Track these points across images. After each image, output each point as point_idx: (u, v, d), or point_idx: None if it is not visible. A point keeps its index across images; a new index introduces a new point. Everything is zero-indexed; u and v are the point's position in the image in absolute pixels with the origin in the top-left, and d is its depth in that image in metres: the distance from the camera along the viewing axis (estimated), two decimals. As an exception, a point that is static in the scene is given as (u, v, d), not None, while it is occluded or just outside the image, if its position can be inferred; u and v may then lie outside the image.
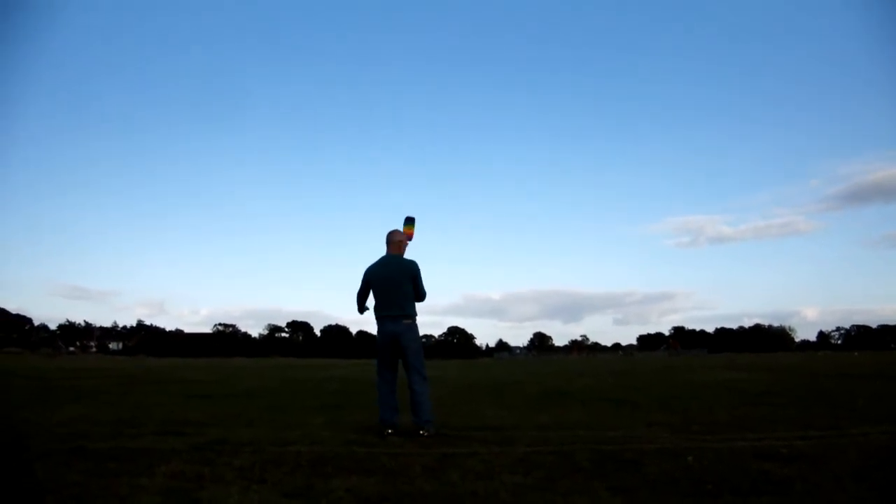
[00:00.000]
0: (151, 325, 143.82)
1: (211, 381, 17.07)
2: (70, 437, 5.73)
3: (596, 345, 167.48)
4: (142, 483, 3.90)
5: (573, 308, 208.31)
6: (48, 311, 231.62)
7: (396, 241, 6.65)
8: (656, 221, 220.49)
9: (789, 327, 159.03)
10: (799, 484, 3.89)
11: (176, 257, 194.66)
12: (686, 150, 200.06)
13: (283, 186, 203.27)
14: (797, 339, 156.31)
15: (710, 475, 4.16)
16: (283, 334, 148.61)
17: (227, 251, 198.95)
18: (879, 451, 5.06)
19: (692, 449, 5.15)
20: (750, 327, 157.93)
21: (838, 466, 4.42)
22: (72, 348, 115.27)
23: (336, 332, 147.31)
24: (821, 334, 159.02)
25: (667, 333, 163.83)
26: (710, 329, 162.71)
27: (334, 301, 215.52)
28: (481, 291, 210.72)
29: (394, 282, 6.41)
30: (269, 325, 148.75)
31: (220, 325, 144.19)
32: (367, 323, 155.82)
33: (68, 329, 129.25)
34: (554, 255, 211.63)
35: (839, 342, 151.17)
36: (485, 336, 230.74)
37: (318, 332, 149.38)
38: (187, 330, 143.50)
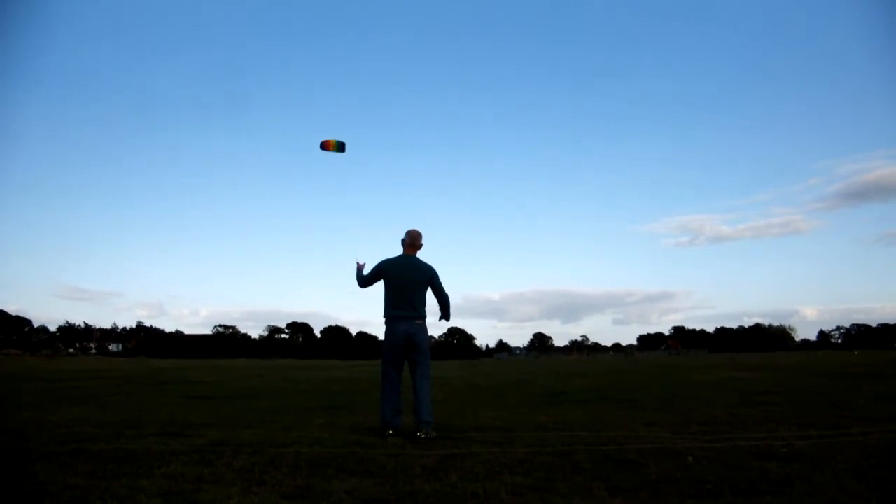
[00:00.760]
0: (151, 326, 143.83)
1: (211, 382, 17.06)
2: (70, 439, 5.74)
3: (596, 345, 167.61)
4: (142, 485, 3.90)
5: (573, 308, 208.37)
6: (48, 313, 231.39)
7: (420, 244, 6.67)
8: (656, 221, 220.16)
9: (789, 326, 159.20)
10: (799, 483, 3.89)
11: (176, 258, 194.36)
12: (685, 150, 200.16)
13: (284, 187, 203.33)
14: (797, 339, 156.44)
15: (711, 475, 4.16)
16: (283, 335, 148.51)
17: (228, 252, 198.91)
18: (880, 450, 5.06)
19: (692, 449, 5.16)
20: (750, 327, 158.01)
21: (839, 466, 4.42)
22: (71, 350, 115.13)
23: (336, 333, 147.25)
24: (821, 333, 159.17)
25: (667, 333, 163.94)
26: (710, 329, 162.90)
27: (334, 302, 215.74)
28: (481, 292, 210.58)
29: (412, 284, 6.42)
30: (269, 326, 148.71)
31: (220, 326, 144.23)
32: (367, 324, 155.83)
33: (68, 330, 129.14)
34: (554, 255, 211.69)
35: (839, 341, 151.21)
36: (485, 337, 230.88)
37: (317, 333, 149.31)
38: (187, 331, 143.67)
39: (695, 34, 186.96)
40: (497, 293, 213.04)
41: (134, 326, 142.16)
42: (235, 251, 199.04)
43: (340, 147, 7.03)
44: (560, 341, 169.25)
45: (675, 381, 15.90)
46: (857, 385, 13.02)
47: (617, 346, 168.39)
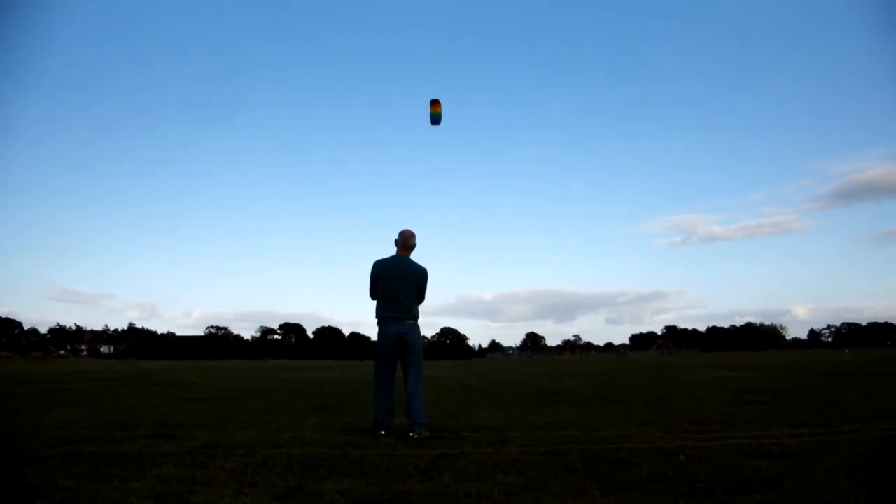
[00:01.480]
0: (143, 328, 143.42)
1: (203, 383, 17.00)
2: (61, 441, 5.71)
3: (589, 344, 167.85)
4: (133, 487, 3.89)
5: (566, 308, 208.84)
6: (38, 315, 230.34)
7: (412, 245, 6.65)
8: (648, 220, 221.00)
9: (780, 326, 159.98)
10: (790, 481, 3.92)
11: (170, 260, 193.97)
12: (679, 150, 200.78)
13: (277, 188, 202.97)
14: (788, 338, 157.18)
15: (703, 473, 4.18)
16: (276, 336, 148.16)
17: (221, 253, 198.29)
18: (870, 448, 5.09)
19: (684, 448, 5.18)
20: (741, 326, 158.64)
21: (829, 464, 4.45)
22: (62, 352, 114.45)
23: (328, 334, 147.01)
24: (812, 332, 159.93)
25: (659, 333, 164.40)
26: (701, 328, 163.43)
27: (327, 303, 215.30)
28: (474, 292, 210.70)
29: (405, 285, 6.41)
30: (262, 327, 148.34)
31: (212, 327, 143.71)
32: (360, 325, 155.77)
33: (59, 332, 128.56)
34: (546, 254, 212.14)
35: (830, 340, 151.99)
36: (478, 337, 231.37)
37: (310, 334, 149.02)
38: (179, 333, 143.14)
39: (689, 35, 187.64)
40: (490, 293, 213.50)
41: (125, 328, 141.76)
42: (229, 252, 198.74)
43: (436, 118, 7.19)
44: (553, 341, 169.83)
45: (667, 381, 15.95)
46: (848, 383, 13.09)
47: (609, 345, 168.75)
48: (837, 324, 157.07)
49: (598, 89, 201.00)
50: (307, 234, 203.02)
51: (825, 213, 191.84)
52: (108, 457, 4.92)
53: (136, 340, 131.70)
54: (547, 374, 21.70)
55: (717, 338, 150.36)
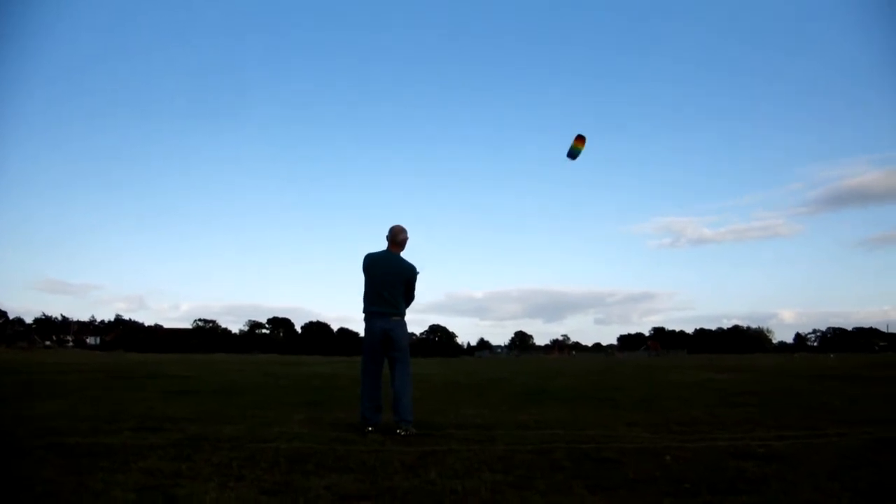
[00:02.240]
0: (130, 319, 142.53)
1: (190, 376, 16.92)
2: (46, 433, 5.67)
3: (577, 344, 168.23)
4: (117, 479, 3.86)
5: (555, 307, 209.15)
6: (24, 305, 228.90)
7: (402, 240, 6.59)
8: (638, 222, 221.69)
9: (767, 329, 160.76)
10: (775, 483, 3.94)
11: (158, 252, 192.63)
12: (670, 152, 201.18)
13: (267, 182, 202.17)
14: (774, 341, 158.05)
15: (689, 474, 4.19)
16: (264, 331, 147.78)
17: (210, 247, 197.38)
18: (855, 451, 5.12)
19: (671, 448, 5.20)
20: (729, 328, 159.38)
21: (814, 466, 4.48)
22: (48, 342, 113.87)
23: (317, 329, 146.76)
24: (797, 336, 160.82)
25: (647, 334, 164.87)
26: (689, 330, 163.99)
27: (315, 297, 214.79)
28: (464, 290, 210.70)
29: (392, 281, 6.38)
30: (250, 321, 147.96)
31: (199, 320, 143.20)
32: (349, 320, 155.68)
33: (44, 323, 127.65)
34: (537, 253, 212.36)
35: (815, 344, 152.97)
36: (466, 334, 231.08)
37: (298, 329, 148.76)
38: (166, 325, 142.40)
39: (684, 37, 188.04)
40: (480, 291, 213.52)
41: (112, 319, 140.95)
42: (218, 246, 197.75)
43: (574, 153, 7.37)
44: (541, 340, 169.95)
45: (654, 382, 16.01)
46: (834, 388, 13.18)
47: (597, 345, 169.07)
48: (823, 328, 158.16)
49: (593, 90, 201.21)
50: (296, 229, 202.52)
51: (813, 217, 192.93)
52: (93, 449, 4.89)
53: (122, 332, 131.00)
54: (535, 373, 21.74)
55: (705, 340, 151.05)
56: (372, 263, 6.47)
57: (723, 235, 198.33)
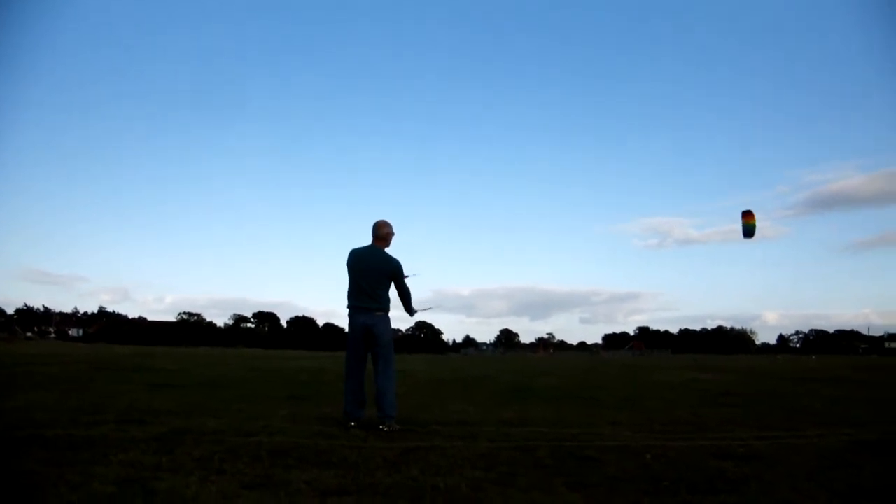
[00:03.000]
0: (114, 311, 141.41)
1: (174, 370, 16.83)
2: (26, 425, 5.62)
3: (562, 343, 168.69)
4: (97, 472, 3.84)
5: (541, 306, 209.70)
6: (6, 295, 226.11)
7: (384, 234, 6.56)
8: (626, 221, 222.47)
9: (750, 330, 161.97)
10: (754, 483, 3.97)
11: (143, 244, 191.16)
12: (658, 153, 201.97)
13: (255, 176, 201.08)
14: (758, 342, 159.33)
15: (669, 473, 4.22)
16: (249, 325, 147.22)
17: (196, 239, 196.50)
18: (833, 452, 5.18)
19: (652, 447, 5.23)
20: (713, 329, 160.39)
21: (793, 466, 4.52)
22: (29, 334, 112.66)
23: (303, 324, 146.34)
24: (780, 338, 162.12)
25: (632, 333, 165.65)
26: (674, 330, 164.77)
27: (301, 292, 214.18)
28: (451, 287, 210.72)
29: (372, 275, 6.37)
30: (235, 314, 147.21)
31: (184, 313, 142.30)
32: (335, 315, 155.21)
33: (26, 314, 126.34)
34: (524, 252, 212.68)
35: (798, 346, 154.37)
36: (452, 331, 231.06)
37: (284, 324, 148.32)
38: (151, 318, 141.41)
39: (673, 39, 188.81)
40: (467, 288, 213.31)
41: (95, 311, 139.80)
42: (204, 239, 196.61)
43: (749, 230, 7.53)
44: (527, 338, 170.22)
45: (638, 381, 16.10)
46: (815, 389, 13.30)
47: (583, 344, 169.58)
48: (806, 330, 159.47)
49: (582, 90, 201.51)
50: (283, 223, 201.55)
51: (799, 220, 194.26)
52: (74, 441, 4.87)
53: (106, 324, 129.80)
54: (520, 371, 21.79)
55: (689, 340, 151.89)
56: (355, 259, 6.46)
57: (709, 236, 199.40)
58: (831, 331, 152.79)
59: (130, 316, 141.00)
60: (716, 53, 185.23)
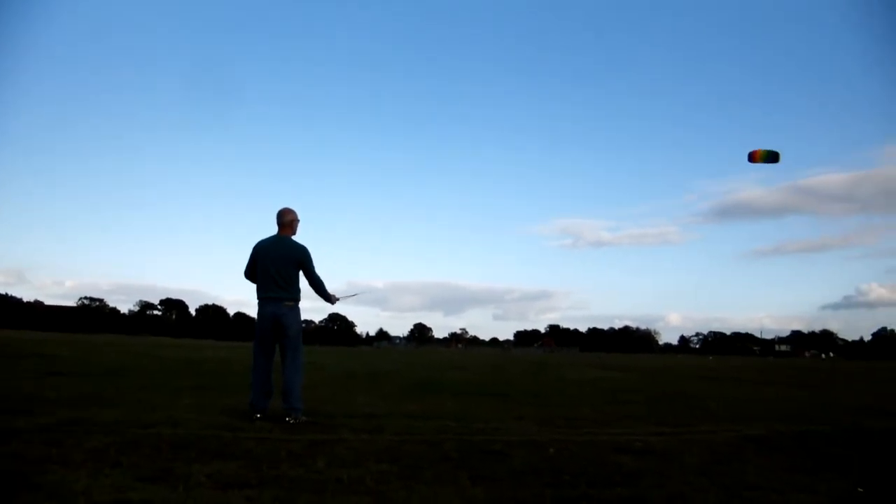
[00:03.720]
0: (7, 294, 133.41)
1: (70, 357, 16.06)
2: None
3: (475, 338, 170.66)
4: (-24, 464, 3.62)
5: (455, 301, 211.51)
6: None
7: (288, 221, 6.41)
8: (541, 222, 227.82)
9: (654, 331, 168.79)
10: (649, 476, 4.13)
11: (43, 222, 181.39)
12: (575, 156, 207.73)
13: (166, 156, 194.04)
14: (661, 342, 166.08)
15: (570, 467, 4.34)
16: (156, 312, 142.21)
17: (100, 220, 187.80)
18: (723, 447, 5.44)
19: (556, 441, 5.36)
20: (619, 329, 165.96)
21: (686, 461, 4.72)
22: None
23: (213, 312, 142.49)
24: (682, 338, 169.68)
25: (543, 331, 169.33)
26: (583, 329, 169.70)
27: (212, 280, 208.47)
28: (365, 279, 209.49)
29: (280, 264, 6.22)
30: (141, 301, 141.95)
31: (85, 298, 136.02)
32: (246, 304, 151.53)
33: None
34: (441, 247, 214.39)
35: (698, 346, 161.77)
36: (366, 324, 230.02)
37: (193, 312, 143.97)
38: (49, 302, 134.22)
39: (594, 46, 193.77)
40: (381, 281, 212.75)
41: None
42: (109, 220, 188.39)
43: (772, 157, 7.02)
44: (440, 333, 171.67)
45: (546, 378, 16.48)
46: (711, 388, 13.99)
47: (495, 340, 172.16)
48: (705, 332, 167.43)
49: (503, 92, 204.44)
50: (196, 208, 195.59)
51: (703, 228, 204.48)
52: (-48, 431, 4.57)
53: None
54: (431, 365, 21.93)
55: (597, 339, 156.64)
56: (261, 250, 6.33)
57: (620, 239, 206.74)
58: (728, 333, 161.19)
59: (25, 299, 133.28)
60: (633, 65, 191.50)
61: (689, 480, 4.07)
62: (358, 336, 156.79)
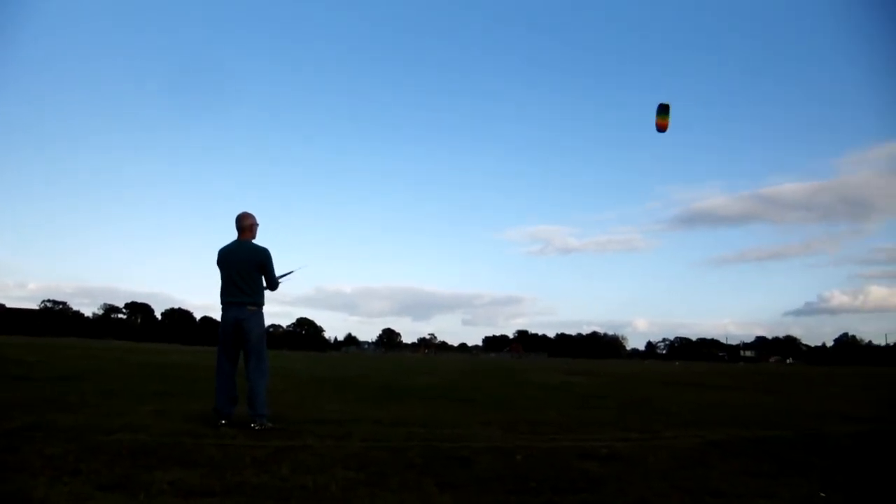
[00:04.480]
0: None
1: (31, 361, 15.72)
2: None
3: (443, 344, 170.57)
4: (-70, 472, 3.53)
5: (423, 306, 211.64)
6: None
7: (247, 226, 6.37)
8: (509, 228, 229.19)
9: (622, 336, 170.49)
10: (613, 482, 4.17)
11: (4, 224, 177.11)
12: (542, 164, 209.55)
13: (132, 152, 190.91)
14: (628, 348, 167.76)
15: (535, 473, 4.36)
16: (121, 315, 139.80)
17: (64, 221, 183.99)
18: (686, 452, 5.51)
19: (522, 448, 5.38)
20: (587, 334, 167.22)
21: (649, 466, 4.78)
22: None
23: (178, 317, 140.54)
24: (649, 344, 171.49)
25: (511, 336, 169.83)
26: (551, 334, 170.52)
27: (178, 284, 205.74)
28: (334, 284, 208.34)
29: (241, 268, 6.18)
30: (105, 304, 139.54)
31: (48, 301, 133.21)
32: (213, 308, 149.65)
33: None
34: (409, 253, 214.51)
35: (664, 352, 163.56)
36: (334, 329, 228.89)
37: (158, 316, 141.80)
38: (9, 304, 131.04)
39: (561, 51, 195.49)
40: (349, 286, 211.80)
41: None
42: (74, 221, 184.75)
43: (663, 109, 6.99)
44: (408, 338, 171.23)
45: (514, 383, 16.54)
46: (677, 393, 14.15)
47: (463, 345, 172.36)
48: (672, 337, 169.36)
49: (471, 99, 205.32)
50: (162, 211, 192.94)
51: (667, 235, 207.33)
52: None
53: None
54: (399, 371, 21.88)
55: (565, 344, 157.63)
56: (222, 256, 6.29)
57: (587, 246, 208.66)
58: (694, 339, 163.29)
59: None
60: (600, 74, 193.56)
61: (652, 486, 4.12)
62: (326, 341, 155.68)
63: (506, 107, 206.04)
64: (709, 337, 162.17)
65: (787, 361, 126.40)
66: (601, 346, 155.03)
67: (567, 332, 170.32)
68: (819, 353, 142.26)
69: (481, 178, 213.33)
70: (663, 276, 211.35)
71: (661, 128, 7.45)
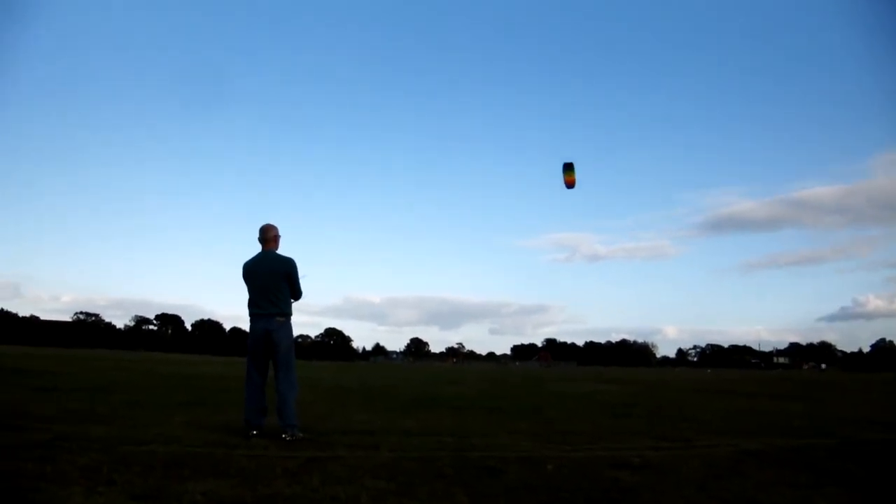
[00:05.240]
0: (2, 309, 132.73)
1: (64, 372, 15.97)
2: None
3: (471, 353, 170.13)
4: (-31, 482, 3.58)
5: (451, 316, 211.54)
6: None
7: (271, 237, 6.43)
8: (536, 236, 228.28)
9: (652, 344, 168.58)
10: (646, 492, 4.10)
11: (40, 237, 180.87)
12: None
13: (162, 174, 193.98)
14: (658, 355, 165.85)
15: (567, 483, 4.31)
16: (151, 327, 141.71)
17: (97, 235, 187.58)
18: (721, 462, 5.41)
19: (552, 457, 5.32)
20: (617, 342, 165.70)
21: (683, 476, 4.70)
22: None
23: (209, 328, 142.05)
24: (679, 351, 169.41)
25: (540, 345, 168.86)
26: (580, 342, 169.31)
27: (208, 295, 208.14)
28: (362, 294, 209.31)
29: (268, 279, 6.23)
30: (136, 316, 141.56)
31: (81, 313, 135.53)
32: (242, 319, 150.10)
33: None
34: (436, 262, 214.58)
35: (695, 359, 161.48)
36: (362, 339, 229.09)
37: (189, 327, 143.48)
38: (44, 317, 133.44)
39: (584, 56, 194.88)
40: (378, 296, 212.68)
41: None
42: (106, 236, 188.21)
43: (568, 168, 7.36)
44: (436, 348, 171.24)
45: (543, 392, 16.42)
46: (708, 401, 13.93)
47: (491, 354, 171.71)
48: (702, 345, 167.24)
49: (496, 108, 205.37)
50: (192, 223, 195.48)
51: (696, 241, 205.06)
52: (-55, 449, 4.53)
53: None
54: (427, 380, 21.85)
55: (594, 353, 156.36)
56: (248, 268, 6.35)
57: (614, 253, 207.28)
58: (726, 345, 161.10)
59: (21, 314, 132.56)
60: (625, 78, 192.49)
61: (687, 496, 4.05)
62: (354, 351, 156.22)
63: (531, 114, 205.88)
64: (741, 344, 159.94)
65: (822, 368, 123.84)
66: (631, 354, 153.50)
67: (596, 340, 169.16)
68: (855, 360, 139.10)
69: (507, 186, 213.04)
70: (693, 283, 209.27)
71: (570, 184, 7.70)
